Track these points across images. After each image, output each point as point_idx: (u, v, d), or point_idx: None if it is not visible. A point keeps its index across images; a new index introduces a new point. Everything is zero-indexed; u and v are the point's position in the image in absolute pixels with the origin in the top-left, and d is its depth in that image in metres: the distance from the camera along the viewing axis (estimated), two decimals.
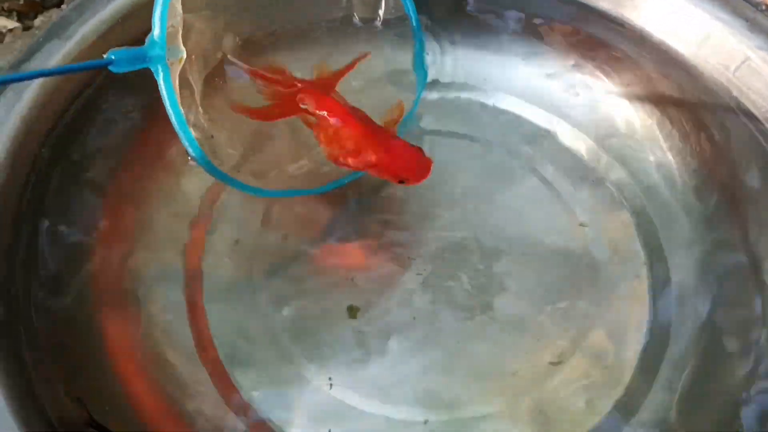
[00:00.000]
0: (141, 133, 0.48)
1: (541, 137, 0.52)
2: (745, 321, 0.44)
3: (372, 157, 0.42)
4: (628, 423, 0.42)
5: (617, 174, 0.50)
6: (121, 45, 0.37)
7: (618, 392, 0.43)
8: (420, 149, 0.42)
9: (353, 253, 0.48)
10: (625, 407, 0.42)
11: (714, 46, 0.48)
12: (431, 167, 0.42)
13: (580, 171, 0.51)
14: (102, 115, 0.47)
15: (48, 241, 0.43)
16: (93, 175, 0.46)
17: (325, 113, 0.43)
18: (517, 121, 0.53)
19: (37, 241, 0.43)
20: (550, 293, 0.46)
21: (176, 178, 0.48)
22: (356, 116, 0.43)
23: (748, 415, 0.41)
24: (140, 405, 0.41)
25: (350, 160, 0.42)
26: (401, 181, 0.43)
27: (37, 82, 0.43)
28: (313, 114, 0.44)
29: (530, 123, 0.53)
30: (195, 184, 0.48)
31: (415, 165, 0.42)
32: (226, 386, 0.42)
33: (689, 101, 0.50)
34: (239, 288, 0.45)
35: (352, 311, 0.45)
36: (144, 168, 0.48)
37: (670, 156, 0.50)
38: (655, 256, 0.47)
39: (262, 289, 0.45)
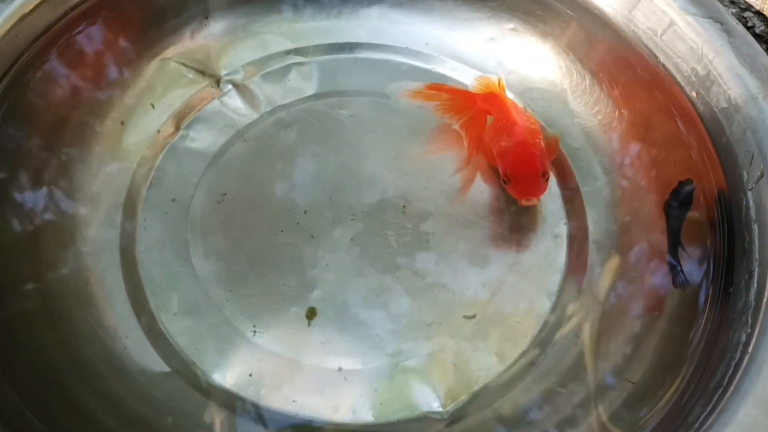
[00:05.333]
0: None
1: None
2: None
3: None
4: (531, 373, 0.44)
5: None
6: None
7: (525, 345, 0.45)
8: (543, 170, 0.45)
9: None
10: (532, 361, 0.44)
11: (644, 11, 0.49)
12: (541, 190, 0.45)
13: None
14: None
15: None
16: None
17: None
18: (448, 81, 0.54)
19: None
20: (471, 248, 0.48)
21: (118, 135, 0.51)
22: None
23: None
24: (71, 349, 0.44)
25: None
26: (505, 181, 0.46)
27: None
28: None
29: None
30: (136, 140, 0.51)
31: (524, 167, 0.46)
32: (154, 332, 0.45)
33: (619, 66, 0.51)
34: (173, 242, 0.48)
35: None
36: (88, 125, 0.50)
37: (596, 120, 0.51)
38: (576, 216, 0.49)
39: (197, 244, 0.48)
